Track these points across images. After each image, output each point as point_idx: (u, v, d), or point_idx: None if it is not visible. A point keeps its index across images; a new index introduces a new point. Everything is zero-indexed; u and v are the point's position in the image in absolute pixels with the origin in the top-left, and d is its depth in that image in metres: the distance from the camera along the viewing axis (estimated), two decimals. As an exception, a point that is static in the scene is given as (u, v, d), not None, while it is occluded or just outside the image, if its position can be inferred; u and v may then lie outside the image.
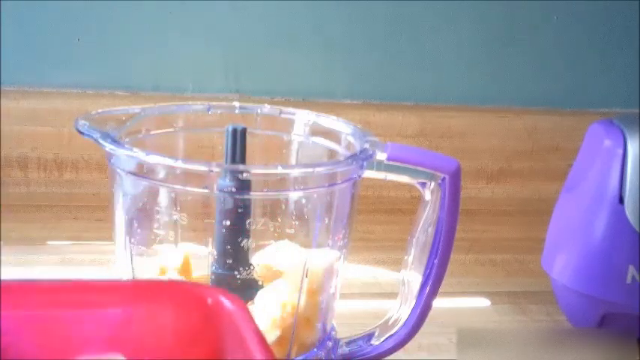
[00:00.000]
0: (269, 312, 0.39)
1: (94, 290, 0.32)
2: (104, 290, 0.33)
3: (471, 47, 0.81)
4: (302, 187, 0.39)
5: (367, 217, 0.74)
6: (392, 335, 0.44)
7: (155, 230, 0.40)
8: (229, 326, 0.30)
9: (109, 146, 0.37)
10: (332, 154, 0.44)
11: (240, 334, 0.29)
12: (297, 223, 0.40)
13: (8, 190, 0.71)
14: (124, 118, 0.41)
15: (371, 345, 0.45)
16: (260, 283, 0.40)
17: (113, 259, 0.42)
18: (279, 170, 0.38)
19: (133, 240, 0.40)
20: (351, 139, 0.43)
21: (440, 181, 0.42)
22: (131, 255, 0.40)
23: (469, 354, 0.35)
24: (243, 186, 0.37)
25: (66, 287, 0.32)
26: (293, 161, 0.46)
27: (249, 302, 0.40)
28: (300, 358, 0.41)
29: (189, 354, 0.32)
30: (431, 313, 0.44)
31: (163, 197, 0.39)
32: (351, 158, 0.40)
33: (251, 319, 0.30)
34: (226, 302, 0.31)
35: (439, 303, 0.44)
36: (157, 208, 0.39)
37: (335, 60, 0.79)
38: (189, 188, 0.37)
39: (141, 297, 0.33)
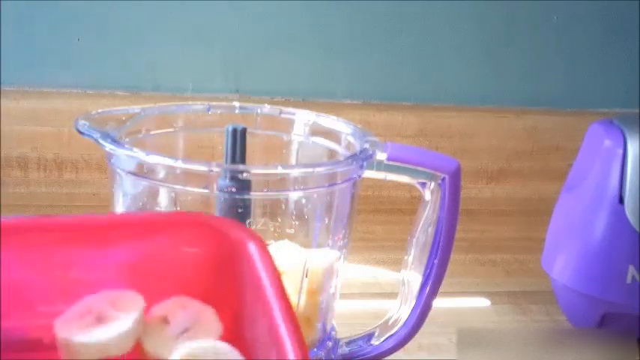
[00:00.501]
0: (269, 312, 0.39)
1: (111, 225, 0.31)
2: (120, 224, 0.31)
3: (471, 47, 0.81)
4: (302, 187, 0.39)
5: (367, 217, 0.74)
6: (392, 335, 0.44)
7: (155, 230, 0.39)
8: (248, 262, 0.29)
9: (109, 146, 0.37)
10: (332, 154, 0.44)
11: (257, 271, 0.28)
12: (297, 223, 0.40)
13: (8, 190, 0.71)
14: (124, 118, 0.41)
15: (371, 345, 0.45)
16: (260, 283, 0.40)
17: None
18: (279, 170, 0.38)
19: (133, 240, 0.40)
20: (351, 139, 0.43)
21: (440, 181, 0.42)
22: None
23: (469, 354, 0.35)
24: (243, 186, 0.37)
25: (82, 222, 0.31)
26: (293, 161, 0.46)
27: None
28: (300, 358, 0.41)
29: (208, 288, 0.31)
30: (431, 313, 0.44)
31: (163, 197, 0.39)
32: (351, 158, 0.40)
33: (270, 258, 0.28)
34: (247, 238, 0.30)
35: (439, 303, 0.44)
36: (157, 208, 0.39)
37: (335, 60, 0.79)
38: (189, 188, 0.37)
39: (159, 230, 0.31)
